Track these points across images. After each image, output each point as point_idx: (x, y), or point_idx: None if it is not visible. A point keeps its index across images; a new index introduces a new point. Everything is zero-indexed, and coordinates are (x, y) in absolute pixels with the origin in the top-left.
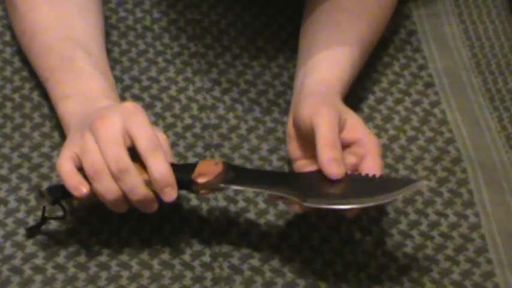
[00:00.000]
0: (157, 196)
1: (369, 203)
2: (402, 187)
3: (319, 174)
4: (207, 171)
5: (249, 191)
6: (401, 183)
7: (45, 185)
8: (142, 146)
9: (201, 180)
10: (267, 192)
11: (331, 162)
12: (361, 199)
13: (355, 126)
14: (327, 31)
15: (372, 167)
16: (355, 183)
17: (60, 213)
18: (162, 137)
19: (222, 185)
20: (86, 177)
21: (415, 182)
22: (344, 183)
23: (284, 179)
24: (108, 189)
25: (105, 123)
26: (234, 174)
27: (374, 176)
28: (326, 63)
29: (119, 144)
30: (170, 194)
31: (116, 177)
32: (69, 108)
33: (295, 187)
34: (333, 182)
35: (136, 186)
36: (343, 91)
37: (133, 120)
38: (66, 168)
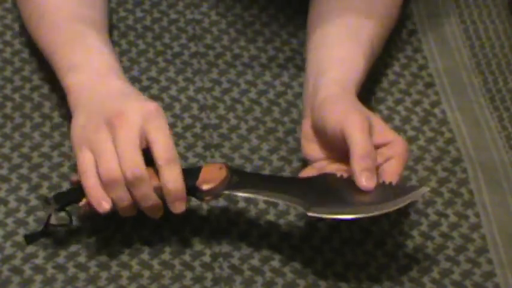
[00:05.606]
0: (164, 203)
1: (372, 213)
2: (404, 195)
3: (327, 179)
4: (211, 177)
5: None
6: (403, 191)
7: (45, 184)
8: (160, 155)
9: (205, 187)
10: (271, 199)
11: (365, 174)
12: (364, 208)
13: (384, 129)
14: (337, 32)
15: (394, 171)
16: (360, 190)
17: (63, 219)
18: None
19: (226, 192)
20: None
21: (417, 190)
22: (351, 190)
23: (289, 185)
24: (121, 197)
25: (125, 123)
26: (238, 179)
27: (381, 183)
28: (339, 64)
29: (136, 149)
30: (180, 207)
31: (129, 184)
32: (78, 80)
33: (300, 193)
34: (340, 188)
35: (147, 194)
36: (356, 92)
37: (154, 125)
38: (91, 182)
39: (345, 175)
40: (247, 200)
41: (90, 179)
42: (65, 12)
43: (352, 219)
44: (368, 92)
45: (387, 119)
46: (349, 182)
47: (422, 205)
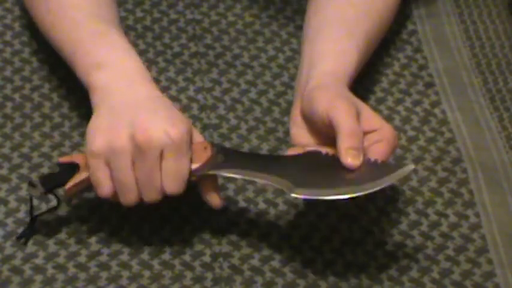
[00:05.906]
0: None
1: (358, 193)
2: (389, 174)
3: (313, 157)
4: (196, 156)
5: (239, 179)
6: (388, 169)
7: None
8: (167, 188)
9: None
10: (255, 180)
11: (351, 152)
12: (349, 188)
13: (371, 116)
14: (334, 25)
15: (380, 152)
16: (346, 168)
17: (52, 203)
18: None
19: (211, 172)
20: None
21: (402, 168)
22: (336, 168)
23: (275, 163)
24: (130, 202)
25: (148, 146)
26: (224, 157)
27: (367, 160)
28: (333, 56)
29: (156, 177)
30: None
31: (141, 193)
32: (104, 78)
33: (286, 173)
34: (325, 166)
35: (155, 199)
36: (349, 85)
37: (172, 156)
38: (105, 185)
39: (331, 153)
40: (247, 200)
41: (105, 186)
42: (85, 10)
43: (335, 200)
44: (368, 92)
45: (388, 119)
46: (335, 160)
47: (422, 205)
